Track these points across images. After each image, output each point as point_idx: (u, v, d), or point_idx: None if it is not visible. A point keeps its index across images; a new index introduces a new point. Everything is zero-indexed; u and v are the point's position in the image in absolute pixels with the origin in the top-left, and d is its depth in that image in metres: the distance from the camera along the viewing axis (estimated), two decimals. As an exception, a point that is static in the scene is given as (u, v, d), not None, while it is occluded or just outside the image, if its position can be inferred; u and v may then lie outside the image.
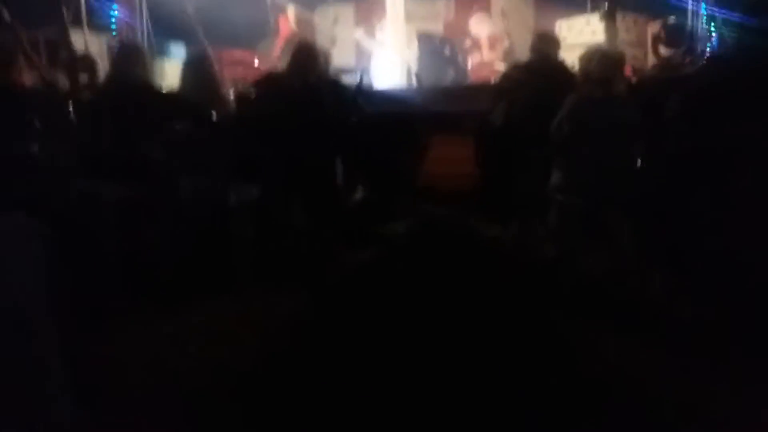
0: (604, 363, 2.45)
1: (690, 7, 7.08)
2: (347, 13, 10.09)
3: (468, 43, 9.41)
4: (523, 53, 6.49)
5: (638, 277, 3.12)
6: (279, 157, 3.72)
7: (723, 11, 6.95)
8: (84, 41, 6.92)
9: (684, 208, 2.89)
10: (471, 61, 8.87)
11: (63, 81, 4.75)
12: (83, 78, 4.82)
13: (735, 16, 2.69)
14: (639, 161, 3.53)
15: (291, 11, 8.38)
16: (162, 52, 7.87)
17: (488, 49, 8.95)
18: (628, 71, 6.23)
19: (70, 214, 3.21)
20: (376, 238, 3.91)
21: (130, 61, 4.02)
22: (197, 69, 4.14)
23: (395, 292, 2.77)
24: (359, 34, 9.62)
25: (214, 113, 3.92)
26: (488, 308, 2.65)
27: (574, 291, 3.11)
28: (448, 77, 7.56)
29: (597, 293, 3.11)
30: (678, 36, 6.16)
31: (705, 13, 7.33)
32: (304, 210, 3.83)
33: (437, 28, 9.88)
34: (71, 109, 4.06)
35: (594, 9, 7.63)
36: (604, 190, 3.29)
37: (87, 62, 5.10)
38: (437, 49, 7.68)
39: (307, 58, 3.99)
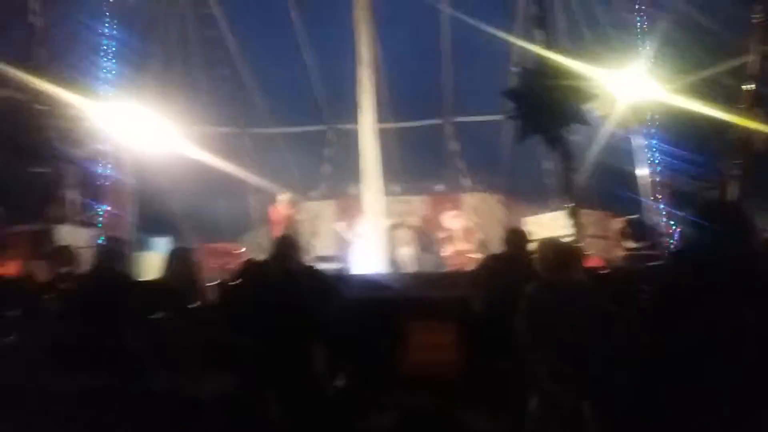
0: None
1: (647, 204, 7.68)
2: (328, 208, 10.67)
3: (443, 234, 9.87)
4: (496, 244, 6.79)
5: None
6: (258, 344, 3.65)
7: (679, 210, 7.53)
8: (71, 234, 7.12)
9: (657, 399, 2.85)
10: (446, 251, 9.22)
11: (43, 272, 4.78)
12: (64, 269, 4.87)
13: (691, 216, 2.89)
14: (610, 350, 3.53)
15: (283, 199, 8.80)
16: (146, 245, 8.08)
17: (463, 240, 9.35)
18: (597, 262, 6.54)
19: (34, 406, 3.03)
20: (358, 430, 3.69)
21: (113, 254, 4.12)
22: (179, 261, 4.21)
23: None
24: (339, 225, 10.05)
25: (194, 304, 3.91)
26: None
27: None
28: (426, 265, 7.79)
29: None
30: (642, 231, 6.56)
31: (663, 211, 7.92)
32: (281, 401, 3.65)
33: (414, 222, 10.44)
34: (47, 299, 4.05)
35: (558, 207, 8.19)
36: (578, 379, 3.25)
37: (67, 254, 5.19)
38: (413, 239, 7.98)
39: (287, 247, 4.13)
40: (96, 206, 7.99)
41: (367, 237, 8.37)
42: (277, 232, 8.30)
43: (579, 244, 4.96)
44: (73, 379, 3.40)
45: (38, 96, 7.56)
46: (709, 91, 7.51)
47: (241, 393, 3.65)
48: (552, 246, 3.79)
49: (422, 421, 3.66)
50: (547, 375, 3.43)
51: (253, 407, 3.66)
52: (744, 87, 7.20)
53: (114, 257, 4.13)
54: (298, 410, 3.68)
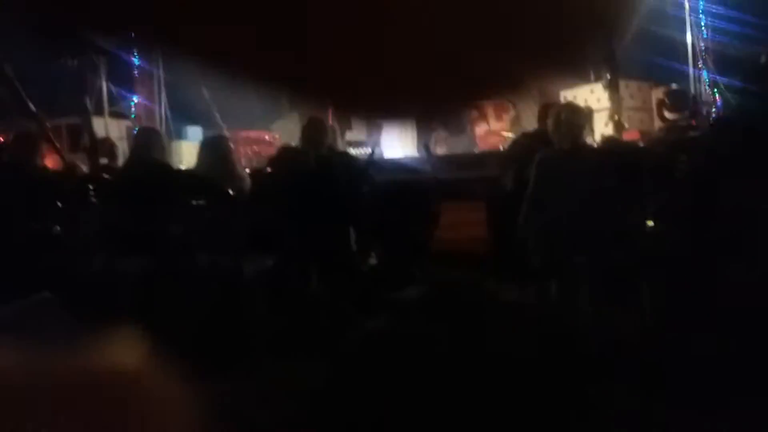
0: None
1: (693, 72, 7.28)
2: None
3: (475, 113, 9.66)
4: (530, 122, 6.65)
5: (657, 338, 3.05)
6: (293, 227, 3.78)
7: (724, 77, 7.14)
8: (104, 126, 7.24)
9: (695, 268, 2.87)
10: (478, 130, 9.08)
11: (83, 164, 4.94)
12: (103, 161, 5.00)
13: (736, 82, 2.76)
14: (645, 222, 3.52)
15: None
16: (180, 134, 8.17)
17: (495, 119, 9.15)
18: (635, 135, 6.37)
19: (92, 289, 3.25)
20: (391, 304, 3.88)
21: (148, 144, 4.17)
22: (214, 149, 4.27)
23: (411, 360, 2.73)
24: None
25: (230, 190, 4.01)
26: (507, 375, 2.59)
27: (593, 355, 3.03)
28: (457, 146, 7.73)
29: (618, 357, 3.03)
30: (682, 101, 6.28)
31: (707, 79, 7.52)
32: (319, 278, 3.84)
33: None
34: (92, 190, 4.20)
35: (597, 78, 7.84)
36: (606, 250, 3.27)
37: (107, 146, 5.30)
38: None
39: (318, 132, 4.13)
40: (128, 97, 8.03)
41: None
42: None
43: (616, 118, 4.80)
44: (121, 263, 3.62)
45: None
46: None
47: (281, 271, 3.86)
48: (561, 110, 3.70)
49: (453, 293, 3.83)
50: (571, 247, 3.45)
51: (293, 282, 3.87)
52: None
53: (151, 147, 4.18)
54: (336, 285, 3.90)
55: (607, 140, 4.79)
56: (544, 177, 3.51)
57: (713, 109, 6.82)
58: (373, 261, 4.27)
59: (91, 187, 4.19)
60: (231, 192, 3.97)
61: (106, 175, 4.46)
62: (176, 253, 3.80)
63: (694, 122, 5.76)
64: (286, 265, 3.81)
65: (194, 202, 3.95)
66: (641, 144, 5.22)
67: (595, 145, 3.97)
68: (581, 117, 3.73)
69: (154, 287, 3.61)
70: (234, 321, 3.52)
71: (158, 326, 3.39)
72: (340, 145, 5.16)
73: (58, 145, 5.07)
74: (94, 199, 4.11)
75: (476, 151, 7.96)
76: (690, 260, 2.98)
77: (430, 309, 3.46)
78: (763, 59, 6.76)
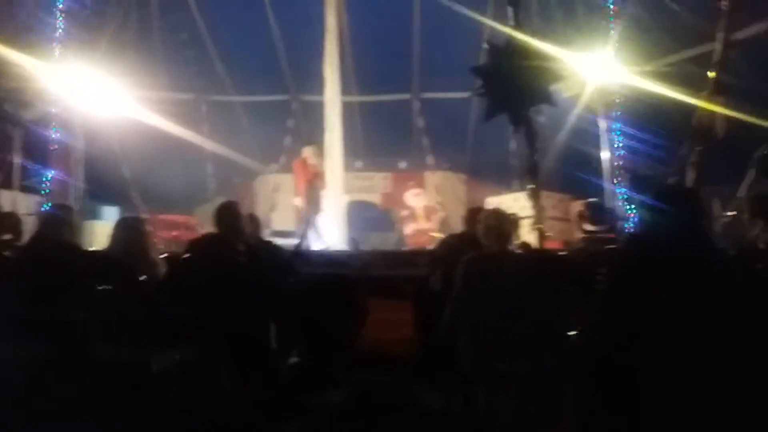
0: None
1: (609, 188, 7.77)
2: (288, 182, 10.48)
3: (405, 212, 9.84)
4: (457, 223, 6.75)
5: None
6: (207, 318, 3.51)
7: (638, 194, 7.65)
8: (12, 201, 6.79)
9: (615, 377, 2.87)
10: (408, 229, 9.21)
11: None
12: (6, 236, 4.68)
13: (648, 200, 2.90)
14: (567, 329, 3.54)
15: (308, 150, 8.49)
16: (94, 214, 7.78)
17: (424, 219, 9.34)
18: (558, 244, 6.59)
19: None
20: (310, 408, 3.63)
21: (57, 222, 3.95)
22: (127, 230, 4.06)
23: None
24: (298, 200, 9.89)
25: (142, 276, 3.76)
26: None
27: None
28: (386, 243, 7.73)
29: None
30: (600, 214, 6.62)
31: (622, 196, 8.04)
32: (232, 376, 3.55)
33: (375, 199, 10.34)
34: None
35: (520, 188, 8.20)
36: (529, 356, 3.24)
37: (12, 221, 5.00)
38: (374, 216, 7.92)
39: (234, 218, 3.97)
40: (42, 171, 7.64)
41: (328, 213, 8.25)
42: (301, 185, 8.07)
43: (539, 226, 4.97)
44: (13, 349, 3.23)
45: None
46: (674, 77, 7.57)
47: (191, 367, 3.55)
48: (492, 216, 3.78)
49: (376, 398, 3.62)
50: (495, 353, 3.40)
51: (203, 381, 3.56)
52: (708, 74, 7.27)
53: (59, 225, 3.93)
54: (251, 385, 3.61)
55: (530, 247, 4.90)
56: (470, 278, 3.53)
57: (629, 224, 7.22)
58: (293, 360, 4.02)
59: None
60: (141, 277, 3.71)
61: (6, 252, 4.12)
62: (74, 341, 3.45)
63: (612, 235, 6.05)
64: (195, 361, 3.50)
65: (100, 287, 3.64)
66: (563, 253, 5.37)
67: (521, 251, 4.06)
68: (509, 223, 3.82)
69: (47, 378, 3.25)
70: (135, 418, 3.17)
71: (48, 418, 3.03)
72: (264, 235, 4.97)
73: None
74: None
75: (405, 248, 8.02)
76: (609, 370, 2.97)
77: (353, 414, 3.23)
78: (671, 180, 7.31)
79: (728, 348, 2.59)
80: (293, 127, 12.32)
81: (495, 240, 3.64)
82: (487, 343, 3.42)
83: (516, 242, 4.12)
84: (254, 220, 4.74)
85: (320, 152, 8.28)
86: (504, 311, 3.37)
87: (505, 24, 6.66)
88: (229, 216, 3.97)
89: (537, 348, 3.34)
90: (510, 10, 6.76)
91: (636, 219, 7.27)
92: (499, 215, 3.82)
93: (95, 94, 7.89)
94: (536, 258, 4.12)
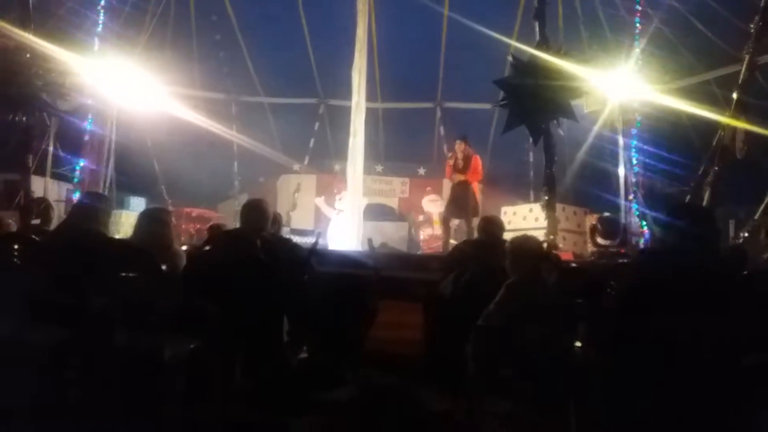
0: None
1: (623, 203, 7.79)
2: (309, 182, 10.67)
3: (421, 218, 9.95)
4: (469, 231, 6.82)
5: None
6: (223, 310, 3.64)
7: (652, 211, 7.65)
8: (44, 187, 7.03)
9: (619, 393, 2.91)
10: (423, 234, 9.32)
11: (14, 222, 4.73)
12: (36, 221, 4.80)
13: (662, 217, 2.94)
14: (577, 344, 3.58)
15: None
16: (122, 203, 8.01)
17: (440, 225, 9.42)
18: (569, 256, 6.62)
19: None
20: (316, 403, 3.73)
21: (89, 210, 4.01)
22: (152, 221, 4.14)
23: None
24: (319, 200, 10.06)
25: (163, 266, 3.88)
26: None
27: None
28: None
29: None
30: (613, 229, 6.64)
31: (636, 212, 8.05)
32: (244, 367, 3.67)
33: (392, 203, 10.47)
34: (16, 250, 3.99)
35: (536, 199, 8.25)
36: (545, 370, 3.29)
37: (41, 207, 5.11)
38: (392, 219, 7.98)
39: (258, 215, 4.08)
40: (74, 160, 7.88)
41: (346, 213, 8.38)
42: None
43: (551, 237, 5.02)
44: (36, 331, 3.38)
45: (26, 45, 7.39)
46: (695, 96, 7.58)
47: (204, 356, 3.66)
48: (521, 245, 3.81)
49: (381, 398, 3.71)
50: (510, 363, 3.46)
51: (215, 371, 3.67)
52: (732, 95, 7.26)
53: (89, 213, 4.02)
54: (261, 378, 3.72)
55: (559, 259, 4.91)
56: (508, 299, 3.54)
57: (641, 240, 7.24)
58: (303, 355, 4.13)
59: (15, 246, 3.98)
60: (164, 267, 3.83)
61: (35, 237, 4.25)
62: (96, 326, 3.58)
63: (623, 250, 6.07)
64: (209, 350, 3.62)
65: (122, 274, 3.78)
66: (575, 265, 5.41)
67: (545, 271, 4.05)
68: (536, 250, 3.84)
69: (66, 361, 3.37)
70: (145, 406, 3.28)
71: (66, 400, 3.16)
72: (283, 232, 5.12)
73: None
74: (16, 260, 3.89)
75: (419, 252, 8.11)
76: (613, 387, 3.02)
77: (358, 412, 3.33)
78: (687, 198, 7.27)
79: (737, 370, 2.62)
80: (319, 130, 12.54)
81: (521, 272, 3.65)
82: (494, 350, 3.48)
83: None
84: (276, 218, 4.85)
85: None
86: (515, 320, 3.43)
87: (531, 39, 6.75)
88: (255, 213, 4.08)
89: (544, 358, 3.38)
90: (536, 25, 6.86)
91: (649, 235, 7.30)
92: (524, 247, 3.83)
93: (130, 88, 8.13)
94: (558, 274, 4.12)
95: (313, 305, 4.15)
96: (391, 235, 9.01)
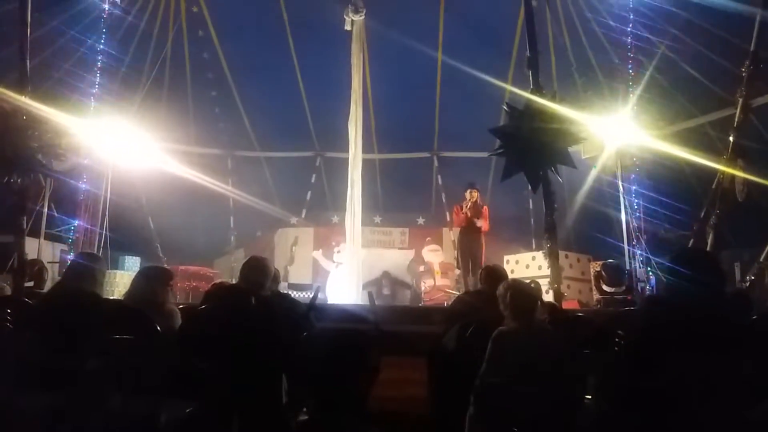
0: None
1: (627, 248, 7.72)
2: (307, 235, 10.60)
3: (422, 268, 9.84)
4: (474, 280, 6.71)
5: None
6: (220, 371, 3.51)
7: (656, 256, 7.59)
8: (38, 248, 6.94)
9: None
10: (424, 285, 9.19)
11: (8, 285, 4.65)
12: (29, 284, 4.73)
13: (666, 263, 2.88)
14: (588, 396, 3.47)
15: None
16: (117, 263, 7.92)
17: (441, 275, 9.31)
18: (575, 304, 6.51)
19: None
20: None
21: (83, 271, 3.97)
22: (148, 280, 4.10)
23: None
24: (317, 254, 9.97)
25: (157, 326, 3.78)
26: None
27: None
28: (403, 299, 7.69)
29: None
30: (618, 275, 6.54)
31: (641, 258, 7.98)
32: (241, 430, 3.51)
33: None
34: (8, 313, 3.91)
35: (538, 247, 8.17)
36: (553, 427, 3.16)
37: (35, 269, 5.07)
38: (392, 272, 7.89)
39: (258, 271, 4.01)
40: (69, 221, 7.83)
41: (345, 266, 8.29)
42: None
43: (555, 286, 4.93)
44: (29, 397, 3.25)
45: (22, 108, 7.44)
46: (692, 140, 7.63)
47: (201, 419, 3.52)
48: (513, 290, 3.73)
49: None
50: (512, 419, 3.33)
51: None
52: (729, 138, 7.31)
53: (82, 274, 3.98)
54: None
55: (556, 309, 4.83)
56: (496, 357, 3.47)
57: (647, 285, 7.13)
58: (303, 417, 3.97)
59: (8, 311, 3.90)
60: (158, 328, 3.73)
61: (27, 300, 4.18)
62: (89, 390, 3.45)
63: (629, 297, 5.98)
64: (206, 413, 3.48)
65: (116, 336, 3.67)
66: (581, 314, 5.30)
67: (545, 319, 3.99)
68: (533, 297, 3.78)
69: (60, 428, 3.25)
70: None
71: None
72: (281, 287, 5.02)
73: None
74: (9, 324, 3.80)
75: (421, 304, 7.97)
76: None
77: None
78: (690, 242, 7.22)
79: (746, 418, 2.52)
80: (315, 183, 12.57)
81: (516, 316, 3.59)
82: (498, 410, 3.35)
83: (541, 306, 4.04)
84: (275, 275, 4.78)
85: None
86: (519, 380, 3.32)
87: (524, 87, 6.81)
88: (255, 270, 4.02)
89: (552, 415, 3.26)
90: (530, 74, 6.94)
91: (654, 281, 7.20)
92: (518, 290, 3.76)
93: (126, 146, 8.16)
94: (559, 325, 4.04)
95: (313, 363, 4.01)
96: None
